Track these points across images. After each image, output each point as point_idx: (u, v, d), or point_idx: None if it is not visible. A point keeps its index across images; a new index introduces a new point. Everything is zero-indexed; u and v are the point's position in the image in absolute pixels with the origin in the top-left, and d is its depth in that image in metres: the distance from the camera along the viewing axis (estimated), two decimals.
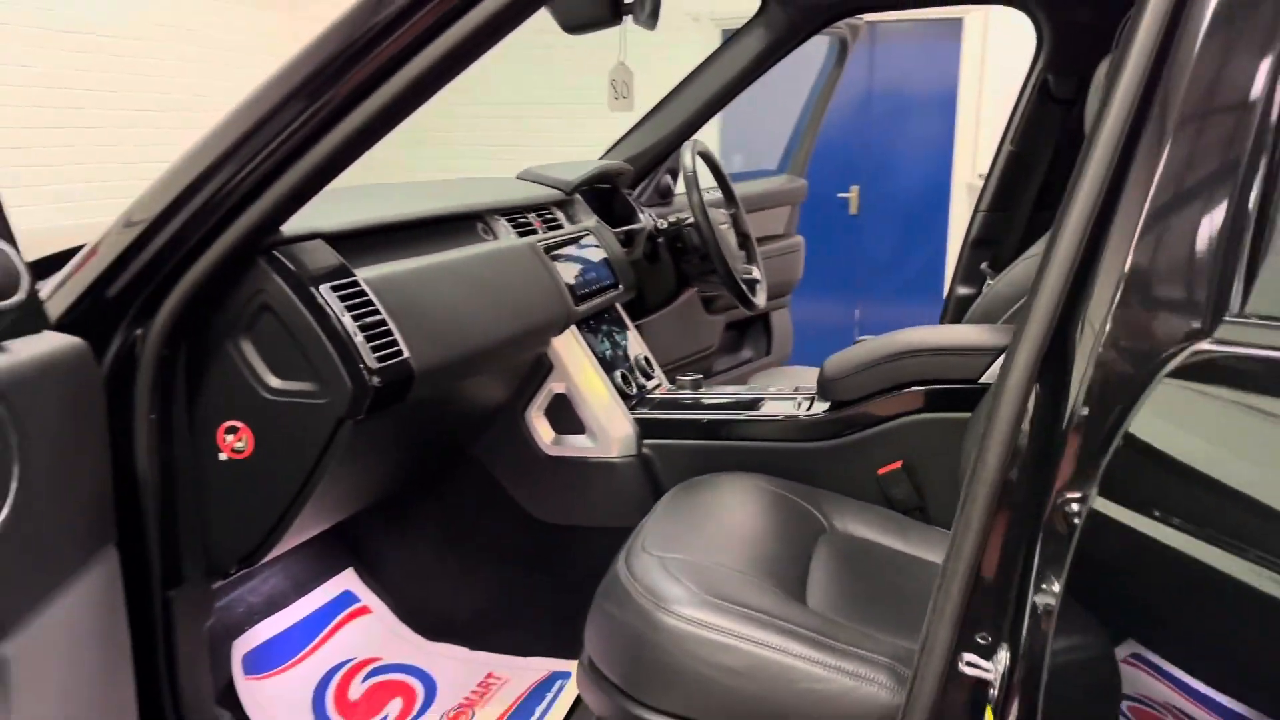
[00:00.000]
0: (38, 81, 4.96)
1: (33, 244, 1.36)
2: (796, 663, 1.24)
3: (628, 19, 1.86)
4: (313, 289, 1.29)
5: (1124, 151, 0.94)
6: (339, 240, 1.43)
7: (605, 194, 2.51)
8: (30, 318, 0.97)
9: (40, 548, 0.93)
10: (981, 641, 1.02)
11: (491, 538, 1.97)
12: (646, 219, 2.45)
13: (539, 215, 2.04)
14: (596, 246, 2.12)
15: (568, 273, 1.95)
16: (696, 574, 1.34)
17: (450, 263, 1.59)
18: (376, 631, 1.86)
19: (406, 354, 1.36)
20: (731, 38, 2.49)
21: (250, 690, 1.62)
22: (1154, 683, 0.83)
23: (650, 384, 2.09)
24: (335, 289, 1.31)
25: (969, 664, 1.00)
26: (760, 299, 2.35)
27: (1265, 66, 0.89)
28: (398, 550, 1.98)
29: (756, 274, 2.41)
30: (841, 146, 5.73)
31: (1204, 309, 0.88)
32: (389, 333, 1.35)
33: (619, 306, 2.19)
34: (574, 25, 1.87)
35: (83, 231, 1.32)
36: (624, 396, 1.94)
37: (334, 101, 1.16)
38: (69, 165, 5.14)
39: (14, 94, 4.86)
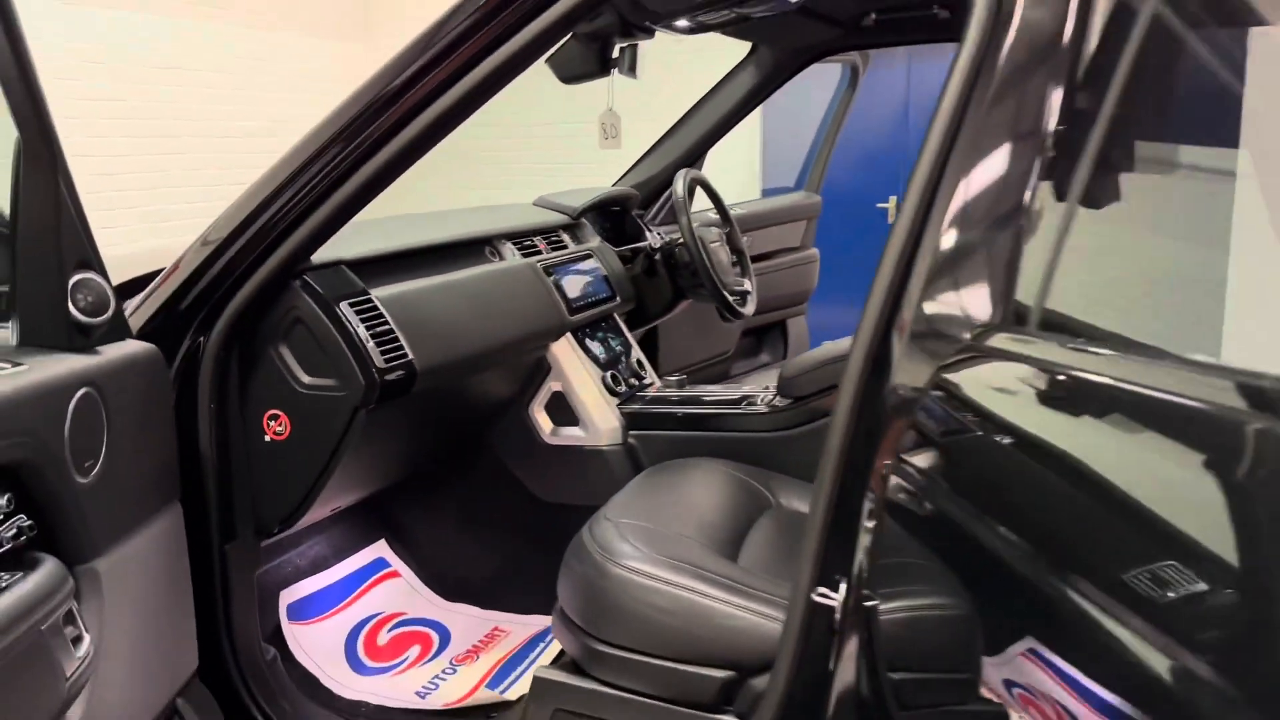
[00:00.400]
0: (131, 113, 5.44)
1: (130, 264, 1.71)
2: (714, 604, 1.54)
3: (614, 71, 2.19)
4: (335, 306, 1.63)
5: (932, 185, 1.23)
6: (360, 265, 1.77)
7: (617, 215, 2.83)
8: (116, 330, 1.32)
9: (123, 494, 1.28)
10: (836, 579, 1.31)
11: (501, 515, 2.30)
12: (652, 237, 2.76)
13: (545, 238, 2.37)
14: (597, 264, 2.44)
15: (570, 287, 2.27)
16: (644, 535, 1.65)
17: (455, 281, 1.92)
18: (403, 592, 2.21)
19: (410, 356, 1.70)
20: (725, 77, 2.79)
21: (294, 633, 1.97)
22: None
23: (644, 383, 2.41)
24: (352, 305, 1.65)
25: (821, 595, 1.30)
26: (748, 309, 2.64)
27: (1040, 115, 1.17)
28: (423, 525, 2.33)
29: (747, 286, 2.71)
30: (880, 158, 5.97)
31: (979, 321, 1.16)
32: (396, 339, 1.69)
33: (617, 316, 2.50)
34: (569, 77, 2.22)
35: (172, 251, 1.67)
36: (614, 394, 2.25)
37: (343, 162, 1.50)
38: (161, 189, 5.61)
39: (110, 125, 5.34)
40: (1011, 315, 1.15)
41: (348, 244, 1.80)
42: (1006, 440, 1.06)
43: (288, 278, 1.62)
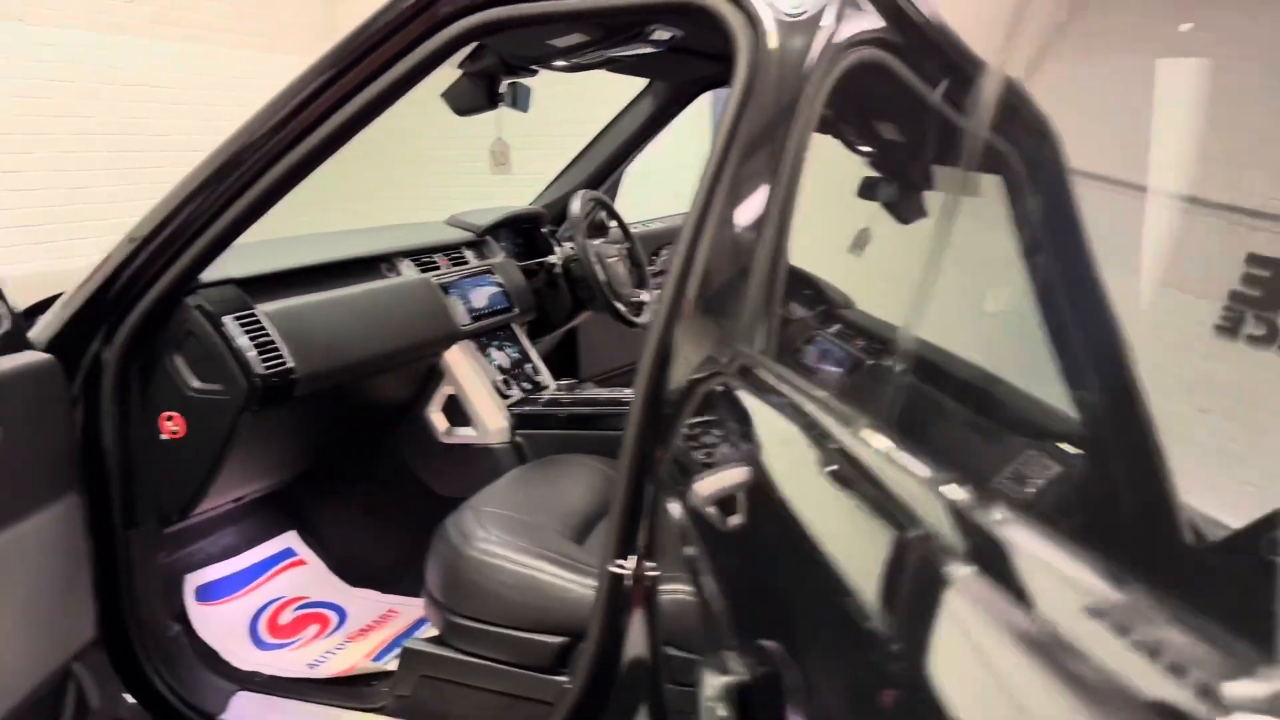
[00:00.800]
0: (98, 129, 5.65)
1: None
2: (550, 579, 1.75)
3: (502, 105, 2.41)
4: (220, 319, 1.85)
5: (700, 220, 1.45)
6: (254, 281, 1.99)
7: (528, 232, 3.06)
8: (13, 343, 1.54)
9: (16, 484, 1.49)
10: (630, 554, 1.53)
11: (402, 508, 2.52)
12: (561, 253, 2.98)
13: (447, 254, 2.60)
14: (497, 278, 2.66)
15: (469, 300, 2.50)
16: (500, 521, 1.87)
17: (344, 295, 2.14)
18: (309, 578, 2.42)
19: (290, 364, 1.92)
20: (626, 108, 3.02)
21: (199, 613, 2.19)
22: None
23: (539, 387, 2.63)
24: (237, 319, 1.87)
25: (616, 565, 1.51)
26: (643, 318, 2.86)
27: (790, 147, 1.38)
28: (331, 517, 2.54)
29: (644, 297, 2.93)
30: None
31: (728, 343, 1.37)
32: (277, 349, 1.90)
33: (515, 326, 2.72)
34: (462, 110, 2.44)
35: None
36: (505, 397, 2.47)
37: (226, 192, 1.72)
38: (129, 201, 5.81)
39: (78, 140, 5.55)
40: (747, 335, 1.36)
41: (247, 262, 2.02)
42: (731, 448, 1.26)
43: (181, 295, 1.84)
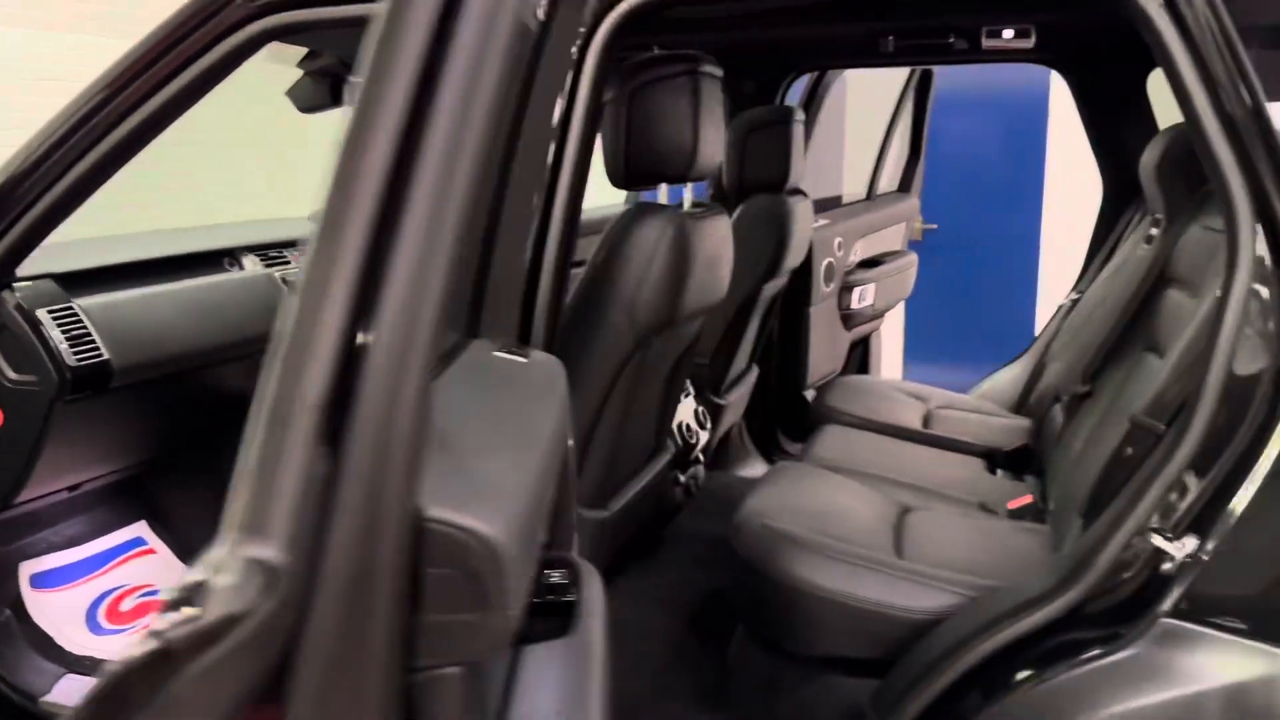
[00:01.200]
0: (19, 123, 5.62)
1: None
2: None
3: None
4: (34, 313, 1.90)
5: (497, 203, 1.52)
6: (77, 276, 2.04)
7: None
8: None
9: None
10: None
11: None
12: None
13: (302, 250, 2.66)
14: None
15: None
16: None
17: (172, 290, 2.20)
18: (157, 567, 2.47)
19: (106, 356, 1.97)
20: None
21: (34, 599, 2.23)
22: None
23: None
24: (52, 312, 1.92)
25: None
26: None
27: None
28: (182, 507, 2.59)
29: None
30: None
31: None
32: (92, 341, 1.96)
33: None
34: (306, 108, 2.50)
35: None
36: None
37: (38, 184, 1.78)
38: None
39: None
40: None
41: (78, 257, 2.07)
42: None
43: None
